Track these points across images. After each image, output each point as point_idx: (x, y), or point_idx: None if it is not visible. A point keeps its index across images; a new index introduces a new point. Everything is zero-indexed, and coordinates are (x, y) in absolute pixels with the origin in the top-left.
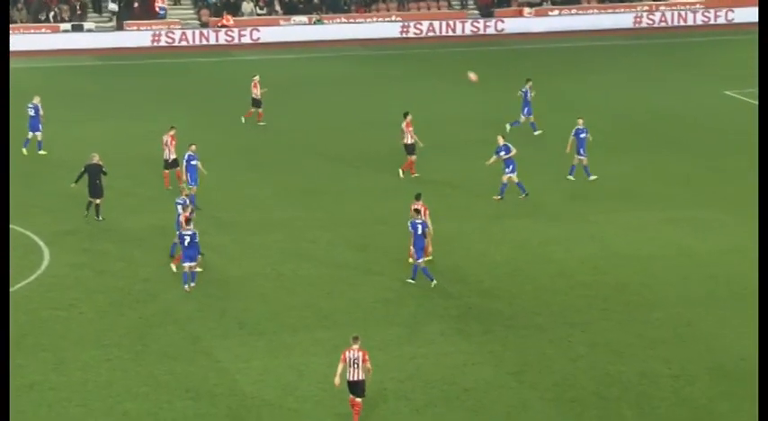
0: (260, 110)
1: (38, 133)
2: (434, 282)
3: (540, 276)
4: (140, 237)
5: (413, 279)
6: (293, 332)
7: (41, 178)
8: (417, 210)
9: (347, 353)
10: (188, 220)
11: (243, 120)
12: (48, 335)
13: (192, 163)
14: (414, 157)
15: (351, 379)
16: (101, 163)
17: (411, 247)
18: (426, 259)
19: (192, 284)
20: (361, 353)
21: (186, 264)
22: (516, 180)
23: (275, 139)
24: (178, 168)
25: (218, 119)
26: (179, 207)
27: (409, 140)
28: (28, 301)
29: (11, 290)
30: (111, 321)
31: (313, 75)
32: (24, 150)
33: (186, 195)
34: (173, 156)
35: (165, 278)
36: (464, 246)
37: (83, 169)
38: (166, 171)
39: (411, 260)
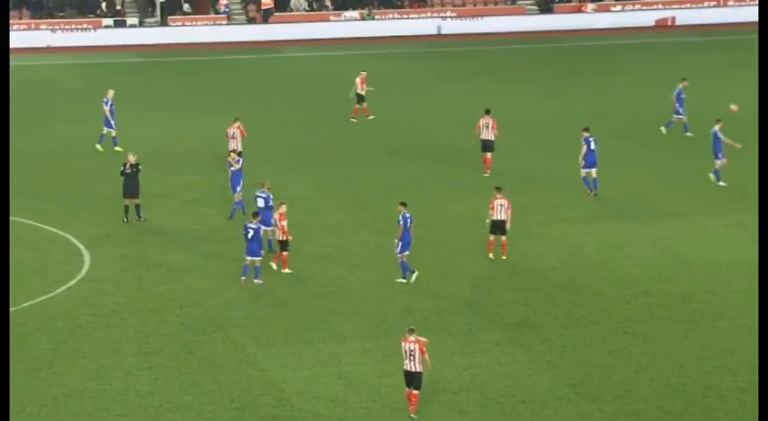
0: (364, 105)
1: (112, 130)
2: (416, 273)
3: (598, 283)
4: (183, 240)
5: (404, 278)
6: (342, 340)
7: (83, 179)
8: (404, 204)
9: (403, 344)
10: (255, 215)
11: (354, 120)
12: (87, 341)
13: (233, 169)
14: (490, 155)
15: (406, 369)
16: (137, 162)
17: (396, 240)
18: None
19: (257, 281)
20: (417, 345)
21: (248, 258)
22: (594, 175)
23: (326, 138)
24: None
25: (268, 118)
26: (259, 200)
27: (490, 137)
28: (67, 307)
29: (50, 295)
30: (153, 328)
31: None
32: (99, 146)
33: (268, 188)
34: (240, 149)
35: (209, 283)
36: (520, 250)
37: (122, 168)
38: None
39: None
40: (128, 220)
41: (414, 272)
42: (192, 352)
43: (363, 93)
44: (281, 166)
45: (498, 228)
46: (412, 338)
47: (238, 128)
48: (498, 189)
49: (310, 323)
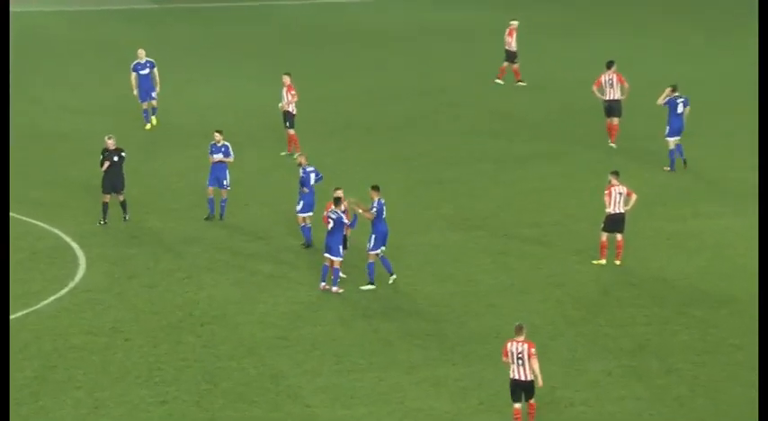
0: (515, 65)
1: (149, 101)
2: (394, 276)
3: (744, 297)
4: (205, 238)
5: (371, 283)
6: (409, 368)
7: (79, 162)
8: (376, 188)
9: (509, 345)
10: (337, 200)
11: (500, 81)
12: (83, 368)
13: (217, 156)
14: (617, 120)
15: (514, 377)
16: (120, 148)
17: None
18: (609, 261)
19: (335, 289)
20: (526, 346)
21: (327, 256)
22: (672, 146)
23: (389, 107)
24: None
25: (308, 81)
26: (311, 174)
27: (616, 96)
28: (57, 324)
29: (34, 308)
30: (167, 351)
31: (433, 22)
32: (149, 125)
33: (304, 161)
34: (287, 109)
35: (238, 294)
36: (641, 252)
37: (101, 156)
38: (291, 131)
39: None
40: (106, 222)
41: (393, 274)
42: (217, 382)
43: (514, 48)
44: (333, 145)
45: (615, 224)
46: (521, 338)
47: (288, 85)
48: (615, 174)
49: (368, 345)
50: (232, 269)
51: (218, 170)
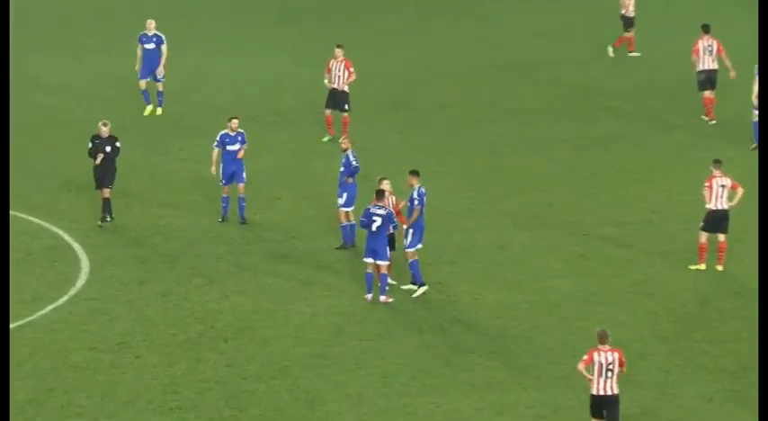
0: (629, 33)
1: (159, 83)
2: (425, 287)
3: None
4: (229, 237)
5: (418, 283)
6: (470, 392)
7: (80, 150)
8: (416, 173)
9: (596, 355)
10: (379, 194)
11: (611, 52)
12: (85, 390)
13: (231, 148)
14: (712, 94)
15: (597, 392)
16: (114, 136)
17: (405, 228)
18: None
19: (383, 298)
20: (617, 355)
21: (369, 261)
22: (755, 118)
23: (445, 84)
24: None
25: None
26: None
27: (713, 65)
28: (55, 338)
29: (30, 318)
30: (184, 370)
31: None
32: (149, 108)
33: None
34: (343, 88)
35: (268, 303)
36: (747, 257)
37: (91, 144)
38: (345, 115)
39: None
40: (109, 220)
41: (423, 285)
42: (243, 408)
43: (632, 14)
44: (380, 128)
45: (717, 222)
46: (606, 346)
47: (342, 60)
48: (717, 163)
49: (421, 365)
50: (261, 274)
51: (234, 163)
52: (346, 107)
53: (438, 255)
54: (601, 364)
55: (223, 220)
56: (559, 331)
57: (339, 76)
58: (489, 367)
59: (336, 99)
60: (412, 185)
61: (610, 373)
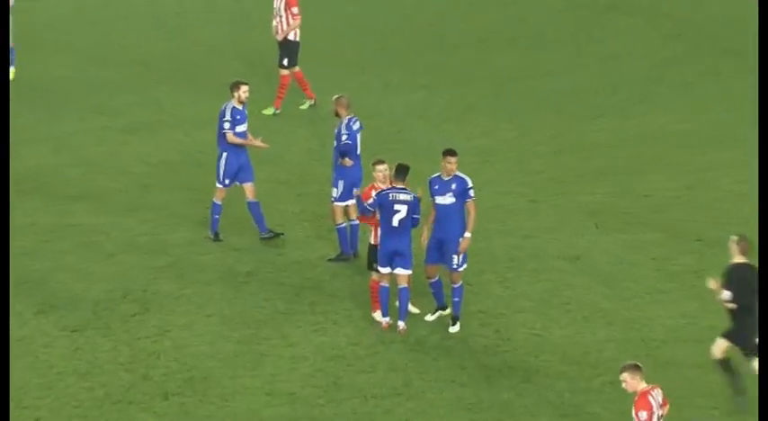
0: None
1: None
2: (447, 311)
3: None
4: (163, 242)
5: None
6: None
7: None
8: (452, 152)
9: (651, 397)
10: (400, 170)
11: None
12: None
13: (241, 129)
14: None
15: None
16: None
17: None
18: None
19: (402, 324)
20: (661, 391)
21: (383, 271)
22: None
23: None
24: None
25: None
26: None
27: None
28: None
29: None
30: None
31: None
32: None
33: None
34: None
35: (229, 343)
36: None
37: None
38: (284, 72)
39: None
40: None
41: (446, 308)
42: None
43: None
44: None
45: None
46: (643, 383)
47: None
48: None
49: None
50: (218, 298)
51: (242, 154)
52: (285, 62)
53: (481, 271)
54: (654, 407)
55: (216, 239)
56: (664, 382)
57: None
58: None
59: (285, 51)
60: (450, 171)
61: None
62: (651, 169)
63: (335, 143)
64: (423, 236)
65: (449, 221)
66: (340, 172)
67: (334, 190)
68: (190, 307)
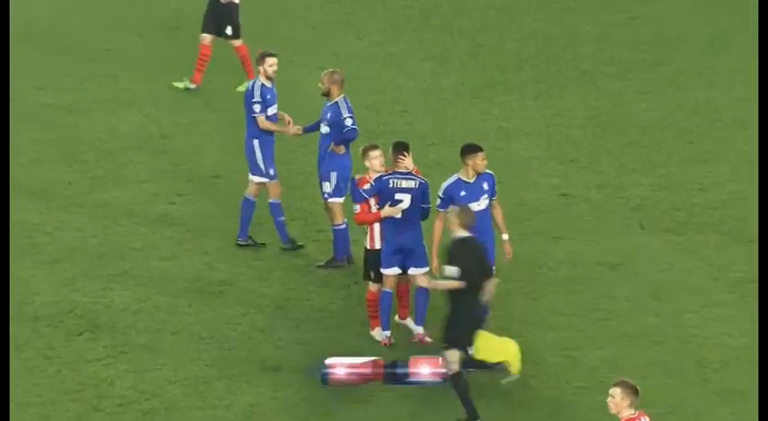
0: None
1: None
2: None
3: None
4: (119, 244)
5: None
6: None
7: None
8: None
9: None
10: (398, 147)
11: None
12: None
13: (273, 111)
14: None
15: None
16: None
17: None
18: None
19: (420, 333)
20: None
21: (389, 272)
22: None
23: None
24: None
25: None
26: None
27: None
28: None
29: None
30: None
31: None
32: None
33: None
34: None
35: (194, 368)
36: None
37: None
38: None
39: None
40: None
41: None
42: None
43: None
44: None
45: None
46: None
47: None
48: None
49: None
50: (183, 314)
51: (273, 140)
52: (228, 31)
53: (502, 280)
54: None
55: (294, 246)
56: (724, 415)
57: None
58: None
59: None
60: (481, 169)
61: None
62: (709, 157)
63: (326, 128)
64: (433, 264)
65: (486, 229)
66: (332, 162)
67: (327, 184)
68: (150, 323)
